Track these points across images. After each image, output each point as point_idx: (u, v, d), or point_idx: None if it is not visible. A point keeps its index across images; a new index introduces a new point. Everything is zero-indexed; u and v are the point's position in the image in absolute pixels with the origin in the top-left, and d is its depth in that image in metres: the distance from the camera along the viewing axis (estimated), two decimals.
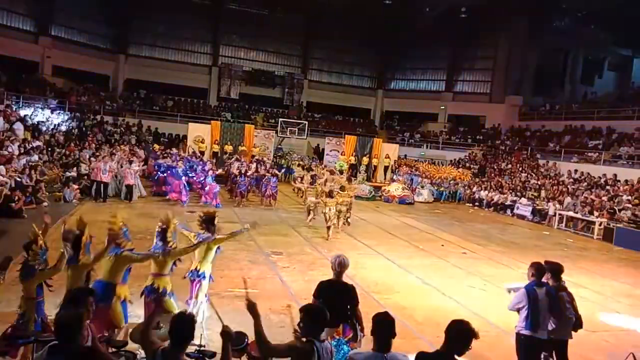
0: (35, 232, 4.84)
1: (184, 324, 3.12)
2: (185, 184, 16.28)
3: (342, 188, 14.59)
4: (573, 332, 5.56)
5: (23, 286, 4.69)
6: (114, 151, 18.65)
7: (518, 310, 5.37)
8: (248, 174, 18.08)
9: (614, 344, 7.14)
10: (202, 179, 16.71)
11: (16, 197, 12.34)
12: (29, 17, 29.32)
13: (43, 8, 29.50)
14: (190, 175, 17.22)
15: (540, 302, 5.22)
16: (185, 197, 15.97)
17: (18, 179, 13.72)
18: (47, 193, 14.30)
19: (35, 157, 16.24)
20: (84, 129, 23.45)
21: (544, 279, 5.51)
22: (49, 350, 3.14)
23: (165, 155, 19.79)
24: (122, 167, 16.18)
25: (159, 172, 17.59)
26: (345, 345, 4.37)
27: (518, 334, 5.37)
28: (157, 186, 17.55)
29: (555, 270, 5.58)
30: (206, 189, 16.20)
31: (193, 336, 3.17)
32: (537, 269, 5.40)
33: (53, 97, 27.02)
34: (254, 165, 20.20)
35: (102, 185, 15.41)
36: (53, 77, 29.22)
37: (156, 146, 22.84)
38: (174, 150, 21.50)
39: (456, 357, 3.31)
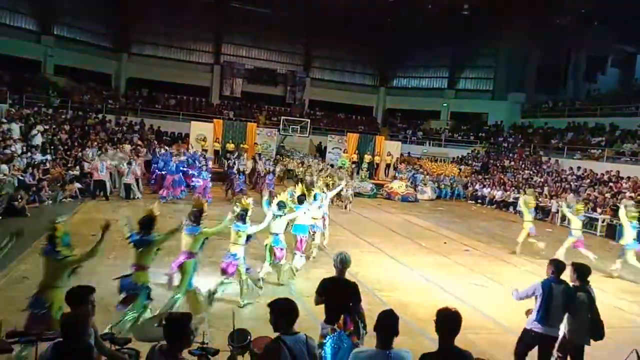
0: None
1: (177, 324, 3.11)
2: (179, 179, 16.21)
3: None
4: (592, 341, 5.35)
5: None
6: (116, 150, 18.70)
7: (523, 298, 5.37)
8: (247, 172, 18.17)
9: (617, 341, 7.10)
10: (195, 172, 16.57)
11: (19, 196, 12.39)
12: (31, 17, 29.36)
13: (45, 7, 29.55)
14: (185, 169, 17.08)
15: (554, 299, 5.14)
16: (178, 191, 15.90)
17: (21, 178, 13.77)
18: (50, 192, 14.33)
19: (45, 157, 16.36)
20: (86, 127, 23.47)
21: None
22: (54, 348, 3.15)
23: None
24: (122, 165, 16.22)
25: (157, 170, 17.57)
26: (346, 338, 4.38)
27: (528, 330, 5.28)
28: (156, 184, 17.54)
29: (582, 271, 5.43)
30: (198, 184, 16.08)
31: (187, 334, 3.11)
32: (557, 266, 5.33)
33: (55, 96, 27.05)
34: (250, 164, 20.23)
35: (98, 183, 15.45)
36: (55, 76, 29.25)
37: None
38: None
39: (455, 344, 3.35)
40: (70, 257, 4.88)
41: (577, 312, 5.25)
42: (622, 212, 11.55)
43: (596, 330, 5.32)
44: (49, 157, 16.61)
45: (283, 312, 3.36)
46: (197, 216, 6.53)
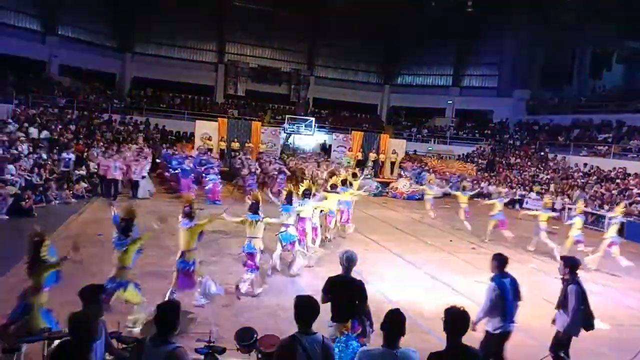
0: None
1: (168, 312, 3.18)
2: (192, 183, 16.39)
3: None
4: (584, 331, 5.45)
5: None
6: (121, 149, 18.79)
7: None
8: (258, 172, 18.18)
9: (626, 339, 7.08)
10: (205, 174, 16.66)
11: (26, 196, 12.45)
12: (36, 17, 29.48)
13: (49, 8, 29.64)
14: (197, 170, 17.19)
15: (509, 293, 5.19)
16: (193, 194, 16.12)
17: (28, 178, 13.84)
18: (57, 192, 14.39)
19: (69, 156, 16.53)
20: (92, 127, 23.55)
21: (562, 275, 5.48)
22: (60, 346, 3.16)
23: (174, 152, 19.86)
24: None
25: (171, 170, 17.68)
26: (354, 341, 4.36)
27: (496, 334, 5.20)
28: (169, 182, 17.70)
29: (573, 265, 5.48)
30: (208, 187, 16.17)
31: (176, 322, 3.19)
32: (499, 261, 5.35)
33: (61, 96, 27.17)
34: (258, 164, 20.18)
35: (112, 182, 15.54)
36: (60, 77, 29.37)
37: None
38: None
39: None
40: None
41: (571, 305, 5.28)
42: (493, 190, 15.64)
43: (587, 321, 5.39)
44: (73, 156, 16.71)
45: (302, 310, 3.37)
46: (188, 212, 6.90)
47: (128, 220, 6.03)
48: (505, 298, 5.15)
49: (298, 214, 9.31)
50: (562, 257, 5.71)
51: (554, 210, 15.81)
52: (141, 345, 3.14)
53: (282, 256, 9.13)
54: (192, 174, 16.67)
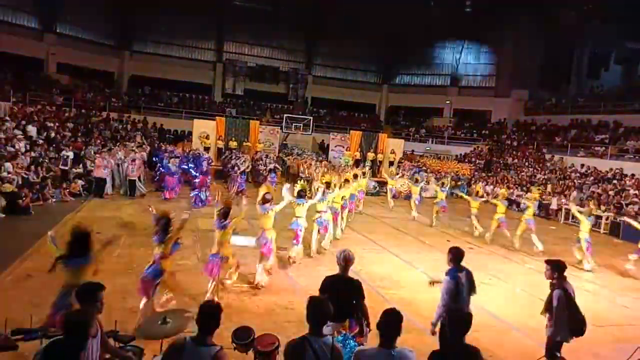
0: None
1: (213, 312, 3.20)
2: (177, 181, 16.14)
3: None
4: (575, 337, 5.31)
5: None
6: (118, 148, 18.75)
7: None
8: (247, 171, 18.13)
9: (622, 338, 7.11)
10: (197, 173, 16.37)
11: (23, 194, 12.41)
12: (34, 15, 29.43)
13: (48, 5, 29.59)
14: (188, 168, 16.86)
15: (464, 287, 5.20)
16: (174, 194, 15.83)
17: (25, 176, 13.80)
18: (53, 190, 14.34)
19: (68, 154, 16.48)
20: (89, 125, 23.51)
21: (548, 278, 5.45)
22: (52, 343, 3.16)
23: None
24: (125, 163, 16.22)
25: (161, 169, 17.52)
26: (351, 340, 4.36)
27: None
28: (159, 182, 17.50)
29: (560, 268, 5.36)
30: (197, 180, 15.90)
31: (218, 322, 3.22)
32: (455, 254, 5.36)
33: (58, 94, 27.12)
34: (248, 162, 20.02)
35: (99, 180, 15.45)
36: (58, 74, 29.33)
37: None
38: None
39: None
40: None
41: (556, 310, 5.19)
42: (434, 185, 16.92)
43: (576, 326, 5.22)
44: (71, 154, 16.66)
45: (314, 311, 3.36)
46: (225, 213, 7.23)
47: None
48: (459, 292, 5.16)
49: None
50: (547, 261, 5.48)
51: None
52: (182, 345, 3.12)
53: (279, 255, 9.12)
54: (178, 174, 16.39)
